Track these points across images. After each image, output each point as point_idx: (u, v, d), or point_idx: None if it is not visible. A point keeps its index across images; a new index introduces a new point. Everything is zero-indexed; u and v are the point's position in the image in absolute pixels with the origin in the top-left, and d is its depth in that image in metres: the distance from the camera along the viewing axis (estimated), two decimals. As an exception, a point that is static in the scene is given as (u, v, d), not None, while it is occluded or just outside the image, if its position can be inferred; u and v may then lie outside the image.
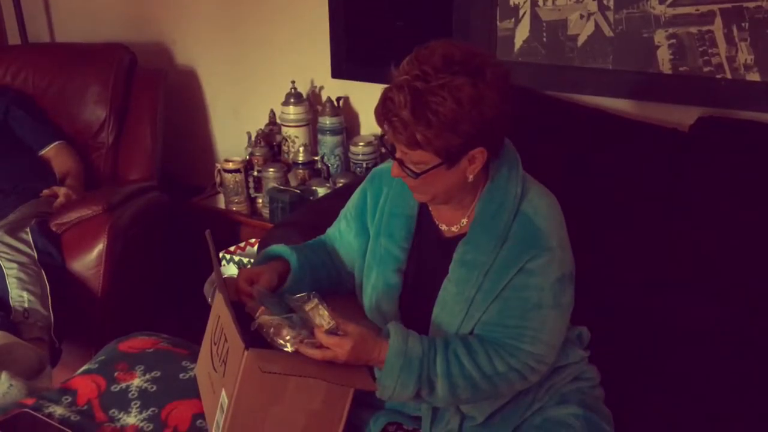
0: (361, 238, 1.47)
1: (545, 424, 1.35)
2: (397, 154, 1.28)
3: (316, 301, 1.28)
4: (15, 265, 2.05)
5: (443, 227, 1.40)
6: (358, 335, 1.25)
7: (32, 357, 1.90)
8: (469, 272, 1.30)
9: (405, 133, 1.21)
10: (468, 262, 1.31)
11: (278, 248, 1.49)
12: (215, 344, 1.37)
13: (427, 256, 1.40)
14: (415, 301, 1.39)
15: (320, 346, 1.24)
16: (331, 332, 1.25)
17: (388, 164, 1.48)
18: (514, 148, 1.37)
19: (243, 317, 1.30)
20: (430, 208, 1.41)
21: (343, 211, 1.56)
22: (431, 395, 1.28)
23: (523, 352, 1.28)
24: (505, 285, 1.29)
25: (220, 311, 1.38)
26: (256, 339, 1.26)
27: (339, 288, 1.53)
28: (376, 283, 1.40)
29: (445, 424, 1.37)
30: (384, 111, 1.24)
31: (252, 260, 2.26)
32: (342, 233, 1.52)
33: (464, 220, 1.36)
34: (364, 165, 2.44)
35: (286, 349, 1.25)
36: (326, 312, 1.26)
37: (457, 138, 1.21)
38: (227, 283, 1.41)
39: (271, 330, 1.26)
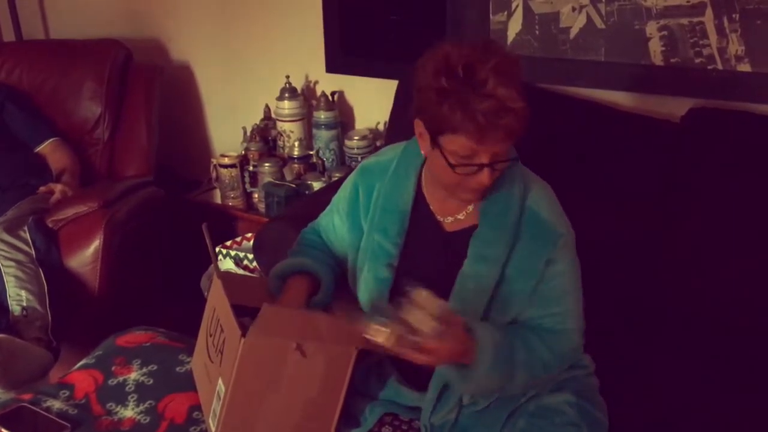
0: (354, 234, 1.47)
1: (539, 410, 1.36)
2: (488, 160, 1.23)
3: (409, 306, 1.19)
4: (13, 263, 2.05)
5: (445, 219, 1.40)
6: (457, 336, 1.20)
7: (44, 357, 1.93)
8: (488, 267, 1.32)
9: (521, 123, 1.20)
10: (486, 257, 1.33)
11: (298, 262, 1.48)
12: (211, 335, 1.39)
13: (424, 250, 1.40)
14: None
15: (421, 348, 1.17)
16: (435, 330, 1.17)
17: (376, 158, 1.49)
18: None
19: (238, 308, 1.31)
20: (428, 201, 1.41)
21: (334, 202, 1.55)
22: (511, 382, 1.31)
23: (573, 331, 1.37)
24: (539, 280, 1.33)
25: (216, 302, 1.39)
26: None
27: (341, 279, 1.53)
28: (367, 278, 1.41)
29: (445, 413, 1.37)
30: (495, 115, 1.17)
31: (248, 255, 2.27)
32: (336, 227, 1.53)
33: (470, 208, 1.37)
34: (359, 159, 2.45)
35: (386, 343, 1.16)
36: (424, 316, 1.16)
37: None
38: (224, 278, 1.42)
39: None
